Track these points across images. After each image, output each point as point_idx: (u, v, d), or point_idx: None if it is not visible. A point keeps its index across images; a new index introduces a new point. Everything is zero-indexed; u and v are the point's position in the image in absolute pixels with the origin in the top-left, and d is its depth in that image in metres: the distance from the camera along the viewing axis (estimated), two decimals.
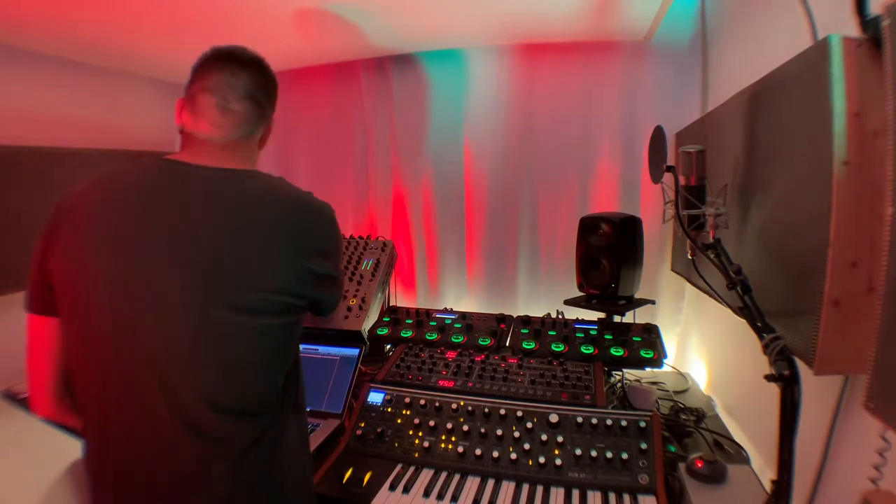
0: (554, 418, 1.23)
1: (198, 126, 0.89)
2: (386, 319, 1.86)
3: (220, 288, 0.79)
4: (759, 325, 0.91)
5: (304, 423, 1.02)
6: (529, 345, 1.62)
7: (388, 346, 1.92)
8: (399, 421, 1.31)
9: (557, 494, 1.08)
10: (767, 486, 0.88)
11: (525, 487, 1.11)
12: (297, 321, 0.92)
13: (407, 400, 1.36)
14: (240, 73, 0.90)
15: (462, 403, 1.32)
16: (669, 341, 1.96)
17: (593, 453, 1.15)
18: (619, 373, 1.62)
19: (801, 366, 0.85)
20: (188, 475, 0.80)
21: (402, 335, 1.76)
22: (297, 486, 0.95)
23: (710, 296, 1.27)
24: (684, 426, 1.42)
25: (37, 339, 0.88)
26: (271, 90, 0.97)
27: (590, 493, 1.08)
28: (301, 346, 1.65)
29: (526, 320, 1.75)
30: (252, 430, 0.83)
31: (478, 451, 1.19)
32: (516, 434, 1.23)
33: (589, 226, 1.68)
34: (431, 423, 1.28)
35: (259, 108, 0.93)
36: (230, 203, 0.83)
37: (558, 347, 1.58)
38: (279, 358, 0.89)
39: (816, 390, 0.97)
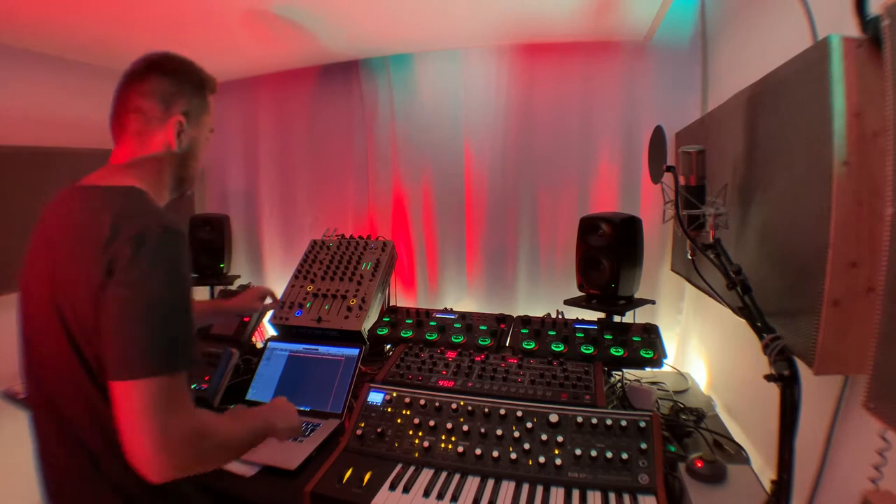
0: (554, 418, 1.23)
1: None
2: (386, 319, 1.86)
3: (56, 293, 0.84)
4: (759, 325, 0.91)
5: None
6: (529, 345, 1.61)
7: (388, 346, 1.92)
8: (399, 421, 1.31)
9: (557, 494, 1.08)
10: (767, 486, 0.88)
11: (525, 487, 1.11)
12: None
13: (407, 400, 1.36)
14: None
15: (462, 403, 1.32)
16: (669, 341, 1.96)
17: (593, 453, 1.14)
18: (619, 373, 1.62)
19: (801, 366, 0.85)
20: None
21: (402, 335, 1.76)
22: None
23: (710, 296, 1.27)
24: (684, 426, 1.42)
25: None
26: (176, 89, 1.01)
27: (590, 493, 1.08)
28: (301, 347, 1.68)
29: (526, 320, 1.74)
30: None
31: (478, 451, 1.19)
32: (516, 434, 1.22)
33: (589, 226, 1.68)
34: (431, 423, 1.28)
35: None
36: (68, 219, 0.88)
37: (558, 347, 1.58)
38: None
39: (816, 390, 0.97)
